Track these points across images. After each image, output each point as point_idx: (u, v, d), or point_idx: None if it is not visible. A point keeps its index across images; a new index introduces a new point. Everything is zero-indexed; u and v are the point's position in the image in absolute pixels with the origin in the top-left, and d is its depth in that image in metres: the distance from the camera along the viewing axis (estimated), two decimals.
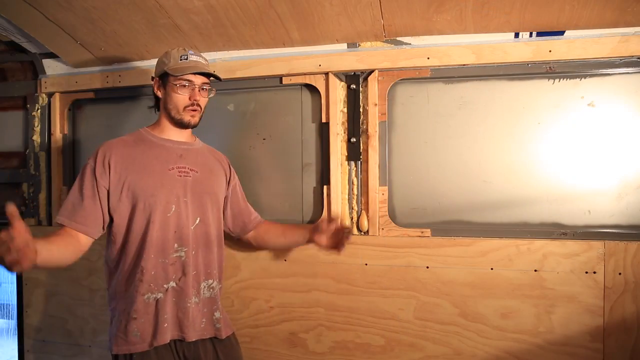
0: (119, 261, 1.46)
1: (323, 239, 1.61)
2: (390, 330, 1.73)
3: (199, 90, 1.50)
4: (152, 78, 1.56)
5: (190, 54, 1.50)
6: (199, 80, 1.49)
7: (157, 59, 1.56)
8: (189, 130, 1.58)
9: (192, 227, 1.49)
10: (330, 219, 1.58)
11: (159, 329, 1.41)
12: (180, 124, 1.51)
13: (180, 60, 1.48)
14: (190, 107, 1.49)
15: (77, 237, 1.40)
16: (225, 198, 1.67)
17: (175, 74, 1.46)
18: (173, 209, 1.45)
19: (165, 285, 1.43)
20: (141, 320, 1.41)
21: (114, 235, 1.46)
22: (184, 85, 1.47)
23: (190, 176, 1.51)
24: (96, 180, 1.42)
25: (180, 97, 1.48)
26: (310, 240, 1.64)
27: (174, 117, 1.50)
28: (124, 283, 1.44)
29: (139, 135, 1.54)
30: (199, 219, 1.51)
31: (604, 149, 1.61)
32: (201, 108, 1.52)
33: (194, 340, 1.47)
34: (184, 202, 1.48)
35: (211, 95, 1.56)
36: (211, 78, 1.53)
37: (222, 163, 1.67)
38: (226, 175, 1.67)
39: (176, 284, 1.45)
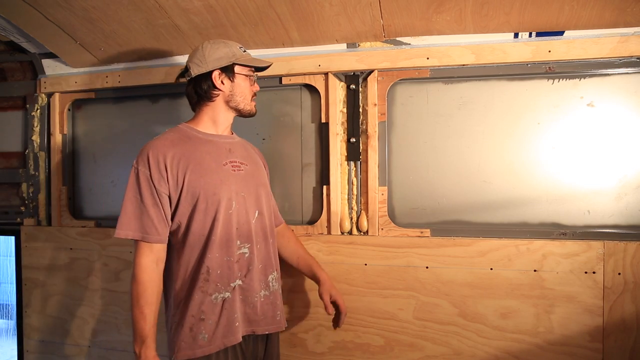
0: (178, 264, 1.41)
1: (326, 297, 1.60)
2: (390, 330, 1.73)
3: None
4: (205, 74, 1.45)
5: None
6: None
7: (200, 54, 1.46)
8: (229, 125, 1.55)
9: (253, 222, 1.47)
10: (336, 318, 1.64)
11: (230, 328, 1.39)
12: (248, 114, 1.53)
13: (244, 52, 1.50)
14: (254, 97, 1.54)
15: (154, 249, 1.37)
16: None
17: (252, 65, 1.49)
18: (234, 205, 1.43)
19: (232, 284, 1.41)
20: (209, 322, 1.37)
21: (172, 238, 1.42)
22: (254, 77, 1.52)
23: (242, 170, 1.49)
24: (155, 188, 1.37)
25: (250, 88, 1.51)
26: (315, 282, 1.66)
27: (243, 108, 1.50)
28: (188, 286, 1.39)
29: (183, 132, 1.47)
30: (257, 211, 1.49)
31: (604, 149, 1.61)
32: None
33: (262, 333, 1.47)
34: (242, 197, 1.45)
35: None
36: None
37: (260, 156, 1.67)
38: (265, 168, 1.67)
39: (242, 281, 1.43)
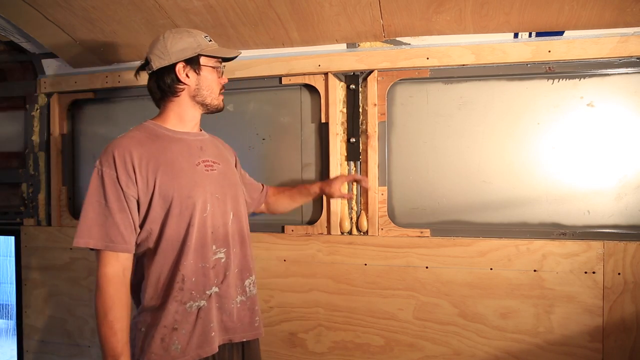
0: (149, 272, 1.30)
1: (336, 190, 1.66)
2: (390, 330, 1.73)
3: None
4: (167, 67, 1.35)
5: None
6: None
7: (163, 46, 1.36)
8: (198, 122, 1.45)
9: (228, 224, 1.38)
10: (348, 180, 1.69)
11: (206, 338, 1.30)
12: (216, 110, 1.42)
13: (209, 41, 1.39)
14: (222, 90, 1.43)
15: (120, 258, 1.24)
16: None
17: (219, 55, 1.38)
18: (209, 208, 1.33)
19: (207, 292, 1.31)
20: (182, 332, 1.27)
21: (142, 245, 1.31)
22: (219, 69, 1.41)
23: (215, 169, 1.39)
24: (122, 191, 1.24)
25: (218, 81, 1.40)
26: (321, 194, 1.70)
27: (210, 103, 1.39)
28: (161, 295, 1.29)
29: (150, 130, 1.36)
30: (232, 213, 1.40)
31: (603, 149, 1.61)
32: None
33: (240, 341, 1.39)
34: (216, 198, 1.36)
35: None
36: None
37: (228, 149, 1.59)
38: (235, 160, 1.59)
39: (219, 288, 1.34)
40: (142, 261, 1.32)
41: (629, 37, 1.55)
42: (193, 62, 1.35)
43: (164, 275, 1.30)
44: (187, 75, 1.35)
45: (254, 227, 1.88)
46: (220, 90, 1.42)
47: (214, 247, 1.34)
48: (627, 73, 1.59)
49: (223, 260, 1.36)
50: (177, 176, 1.30)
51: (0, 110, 2.31)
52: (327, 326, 1.79)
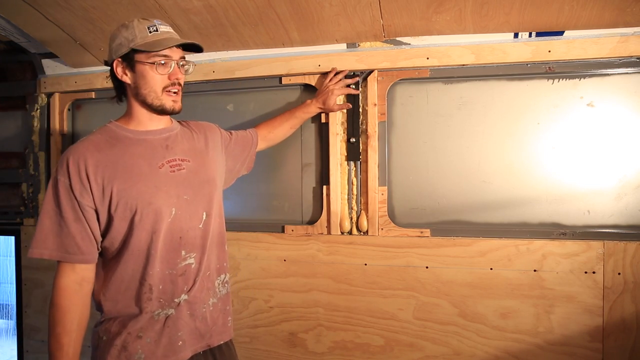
0: (111, 280, 1.25)
1: (333, 105, 1.73)
2: (390, 330, 1.73)
3: (178, 67, 1.28)
4: (108, 62, 1.31)
5: (158, 23, 1.27)
6: (176, 54, 1.26)
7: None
8: (161, 120, 1.34)
9: (200, 226, 1.31)
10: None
11: (172, 347, 1.25)
12: (161, 111, 1.28)
13: (150, 32, 1.23)
14: (171, 88, 1.27)
15: (76, 269, 1.21)
16: (233, 152, 1.56)
17: (150, 49, 1.22)
18: (174, 212, 1.25)
19: (176, 300, 1.26)
20: (147, 340, 1.23)
21: (105, 254, 1.27)
22: (161, 63, 1.24)
23: (184, 168, 1.30)
24: (77, 201, 1.19)
25: (159, 78, 1.25)
26: (321, 111, 1.77)
27: (151, 103, 1.26)
28: (127, 304, 1.25)
29: (111, 133, 1.28)
30: (205, 213, 1.32)
31: (603, 149, 1.61)
32: (182, 88, 1.31)
33: (217, 345, 1.35)
34: (185, 200, 1.27)
35: (190, 71, 1.33)
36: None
37: (209, 133, 1.46)
38: (220, 142, 1.49)
39: (188, 295, 1.28)
40: (105, 268, 1.28)
41: (629, 37, 1.55)
42: (128, 59, 1.25)
43: (129, 285, 1.25)
44: (124, 73, 1.27)
45: (254, 227, 1.89)
46: (167, 87, 1.26)
47: (183, 253, 1.28)
48: (627, 73, 1.59)
49: (193, 265, 1.29)
50: (136, 182, 1.22)
51: (0, 110, 2.31)
52: (327, 326, 1.79)
